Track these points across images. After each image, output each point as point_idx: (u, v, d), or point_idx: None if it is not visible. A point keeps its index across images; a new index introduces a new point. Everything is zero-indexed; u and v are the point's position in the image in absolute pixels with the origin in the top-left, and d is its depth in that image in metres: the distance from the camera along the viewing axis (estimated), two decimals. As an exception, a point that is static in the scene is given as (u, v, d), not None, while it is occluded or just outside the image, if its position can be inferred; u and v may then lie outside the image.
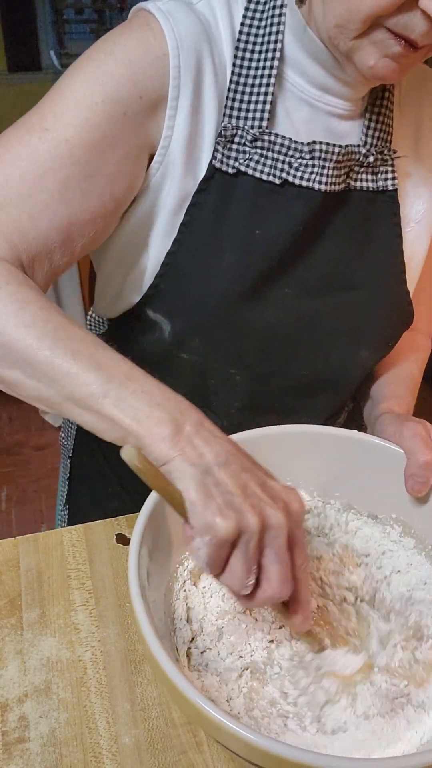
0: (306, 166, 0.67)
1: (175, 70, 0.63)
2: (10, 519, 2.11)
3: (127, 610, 0.66)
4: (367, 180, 0.72)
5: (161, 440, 0.50)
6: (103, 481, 0.94)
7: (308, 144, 0.67)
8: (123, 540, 0.73)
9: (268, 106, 0.67)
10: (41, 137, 0.61)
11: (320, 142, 0.67)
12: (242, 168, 0.68)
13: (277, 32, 0.66)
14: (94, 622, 0.65)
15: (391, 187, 0.73)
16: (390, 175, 0.73)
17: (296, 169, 0.67)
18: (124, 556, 0.71)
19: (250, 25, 0.66)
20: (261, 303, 0.71)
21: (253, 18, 0.66)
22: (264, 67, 0.66)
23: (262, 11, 0.67)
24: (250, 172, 0.68)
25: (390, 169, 0.73)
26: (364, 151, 0.70)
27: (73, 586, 0.68)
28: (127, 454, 0.47)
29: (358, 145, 0.70)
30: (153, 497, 0.57)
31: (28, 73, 2.94)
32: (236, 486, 0.49)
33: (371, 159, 0.71)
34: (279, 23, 0.65)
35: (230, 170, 0.68)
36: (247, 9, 0.67)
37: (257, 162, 0.67)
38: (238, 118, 0.67)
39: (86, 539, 0.73)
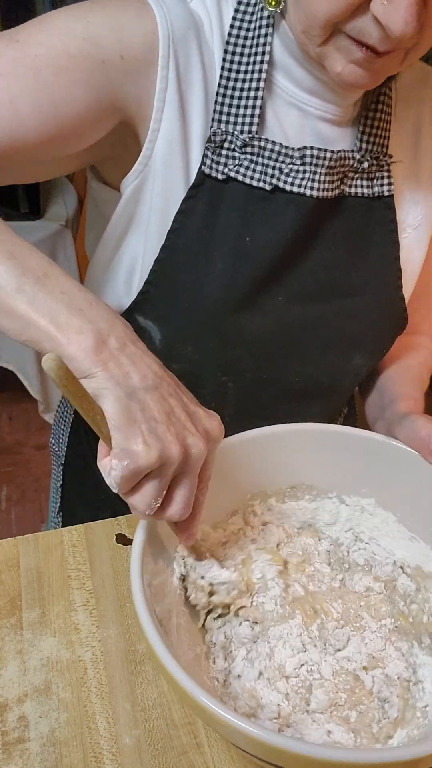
0: (297, 171, 0.66)
1: (164, 59, 0.62)
2: (10, 519, 2.10)
3: (127, 611, 0.66)
4: (362, 186, 0.71)
5: (82, 351, 0.46)
6: (97, 488, 0.92)
7: (299, 149, 0.66)
8: (123, 540, 0.73)
9: (257, 111, 0.65)
10: (8, 45, 0.57)
11: (311, 147, 0.66)
12: (232, 174, 0.66)
13: (266, 35, 0.64)
14: (95, 623, 0.65)
15: (387, 193, 0.72)
16: (386, 181, 0.72)
17: (287, 175, 0.66)
18: (125, 556, 0.71)
19: (240, 27, 0.65)
20: (253, 310, 0.70)
21: (242, 20, 0.65)
22: (253, 71, 0.65)
23: (252, 13, 0.65)
24: (240, 178, 0.66)
25: (386, 174, 0.72)
26: (358, 156, 0.69)
27: (73, 586, 0.68)
28: (47, 363, 0.42)
29: (352, 151, 0.69)
30: None
31: (29, 73, 2.93)
32: (161, 412, 0.47)
33: (366, 165, 0.70)
34: (268, 25, 0.64)
35: (220, 176, 0.66)
36: (236, 11, 0.65)
37: (247, 168, 0.66)
38: (227, 123, 0.66)
39: (86, 539, 0.73)
